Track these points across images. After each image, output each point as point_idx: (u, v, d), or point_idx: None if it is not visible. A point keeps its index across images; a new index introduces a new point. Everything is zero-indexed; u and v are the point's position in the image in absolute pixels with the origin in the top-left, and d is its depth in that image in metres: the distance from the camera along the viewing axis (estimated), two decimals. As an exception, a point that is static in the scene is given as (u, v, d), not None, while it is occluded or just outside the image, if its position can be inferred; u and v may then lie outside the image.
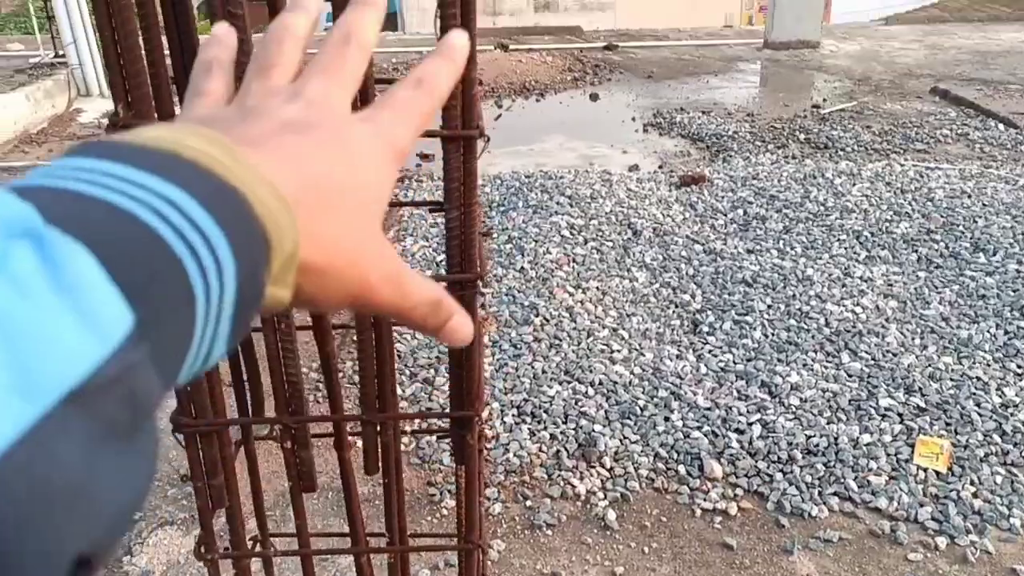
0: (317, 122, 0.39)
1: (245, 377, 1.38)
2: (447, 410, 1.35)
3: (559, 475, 2.74)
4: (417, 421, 2.97)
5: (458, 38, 0.47)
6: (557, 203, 4.78)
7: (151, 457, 0.29)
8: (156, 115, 1.06)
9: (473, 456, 1.24)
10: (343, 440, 1.34)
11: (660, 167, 5.68)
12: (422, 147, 5.46)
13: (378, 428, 1.30)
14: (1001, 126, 6.33)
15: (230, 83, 0.46)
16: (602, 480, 2.73)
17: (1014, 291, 3.76)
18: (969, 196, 4.78)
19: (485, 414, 3.03)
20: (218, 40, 0.48)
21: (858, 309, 3.66)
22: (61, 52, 7.40)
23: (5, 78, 7.14)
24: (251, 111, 0.40)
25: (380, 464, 1.29)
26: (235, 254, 0.31)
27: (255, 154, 0.35)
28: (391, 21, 26.75)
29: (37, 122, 6.77)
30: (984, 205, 4.65)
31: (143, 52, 0.98)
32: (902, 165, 5.44)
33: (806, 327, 3.53)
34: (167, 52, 1.25)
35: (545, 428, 2.95)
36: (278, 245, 0.34)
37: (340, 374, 1.79)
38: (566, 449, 2.84)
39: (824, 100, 7.28)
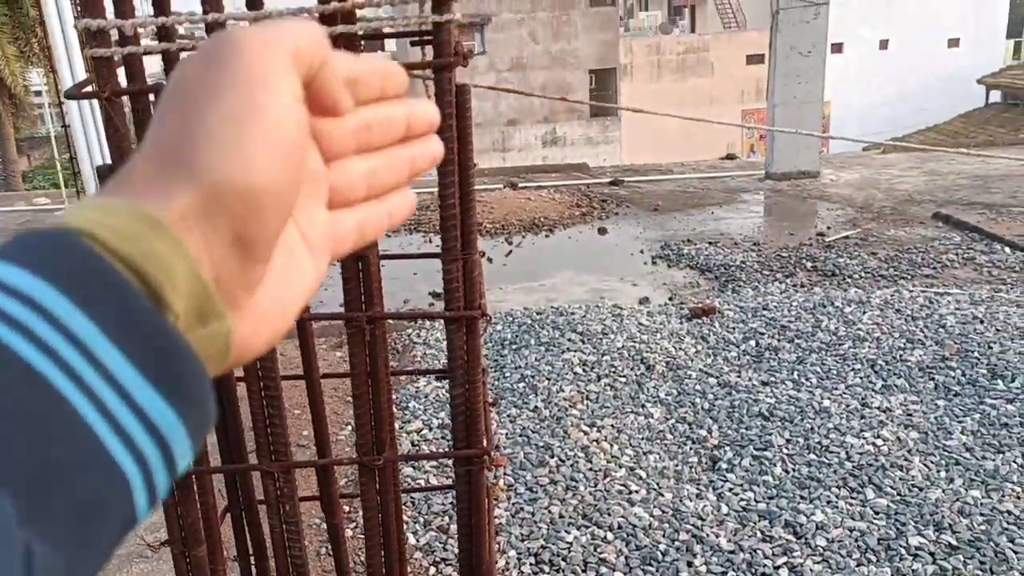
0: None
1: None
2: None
3: (580, 629, 2.63)
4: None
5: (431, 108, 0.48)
6: (569, 339, 4.79)
7: None
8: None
9: (486, 634, 1.20)
10: (353, 616, 1.30)
11: (670, 299, 5.72)
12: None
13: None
14: (1007, 249, 6.38)
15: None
16: (625, 633, 2.62)
17: (1037, 418, 3.70)
18: (981, 321, 4.78)
19: (502, 563, 2.95)
20: None
21: (879, 441, 3.59)
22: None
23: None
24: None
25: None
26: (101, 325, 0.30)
27: (139, 188, 0.35)
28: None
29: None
30: (997, 330, 4.63)
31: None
32: (911, 291, 5.46)
33: (827, 461, 3.46)
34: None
35: (564, 578, 2.85)
36: (168, 284, 0.32)
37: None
38: (586, 600, 2.74)
39: (828, 228, 7.39)
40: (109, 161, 1.11)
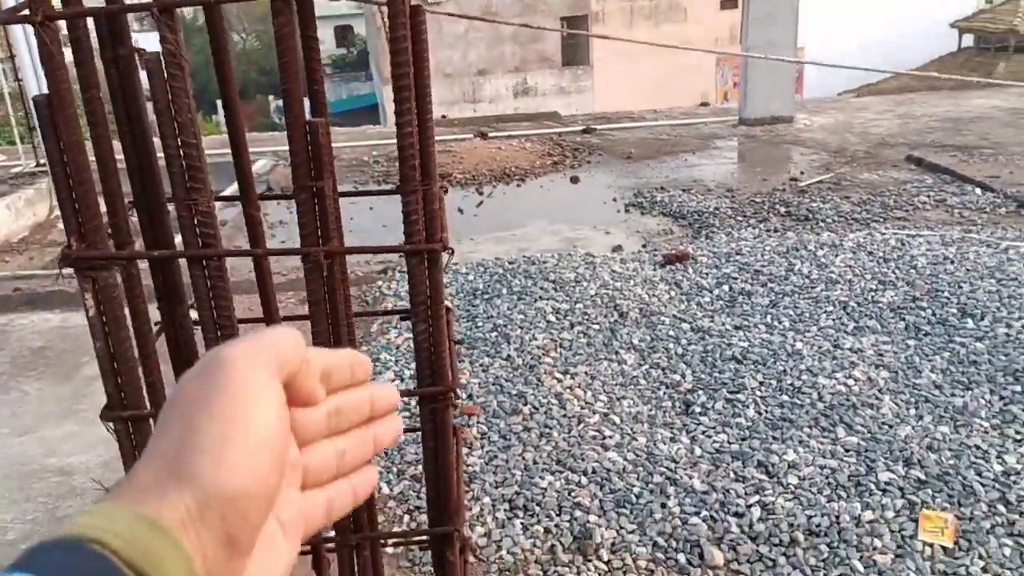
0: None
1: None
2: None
3: (555, 571, 2.65)
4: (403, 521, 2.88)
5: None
6: (541, 288, 4.77)
7: None
8: (112, 246, 1.04)
9: (455, 573, 1.18)
10: (320, 561, 1.28)
11: (643, 246, 5.70)
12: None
13: (355, 546, 1.25)
14: (978, 190, 6.41)
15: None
16: (600, 574, 2.64)
17: (1005, 355, 3.74)
18: (952, 262, 4.81)
19: (476, 509, 2.95)
20: None
21: (850, 381, 3.62)
22: (42, 161, 7.48)
23: (-12, 188, 7.20)
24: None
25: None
26: None
27: (148, 496, 0.41)
28: (374, 113, 27.29)
29: (18, 231, 6.80)
30: (968, 270, 4.66)
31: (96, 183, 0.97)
32: (883, 234, 5.48)
33: (799, 402, 3.49)
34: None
35: (538, 522, 2.86)
36: None
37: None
38: (561, 543, 2.76)
39: (802, 173, 7.39)
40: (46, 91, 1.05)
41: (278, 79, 1.07)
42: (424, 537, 1.47)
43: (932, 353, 3.84)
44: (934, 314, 4.21)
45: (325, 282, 1.16)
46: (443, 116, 15.75)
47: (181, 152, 1.04)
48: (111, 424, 1.19)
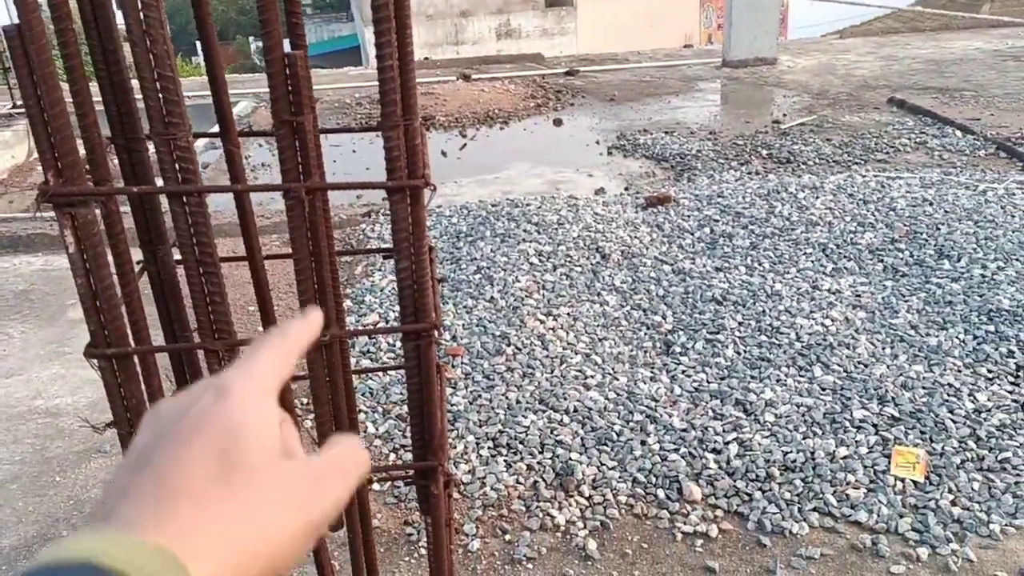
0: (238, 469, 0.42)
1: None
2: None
3: (537, 507, 2.70)
4: (389, 461, 2.92)
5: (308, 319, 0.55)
6: (524, 231, 4.77)
7: None
8: (91, 182, 1.04)
9: (439, 506, 1.21)
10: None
11: (626, 189, 5.70)
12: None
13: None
14: (959, 133, 6.43)
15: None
16: (581, 509, 2.70)
17: (980, 296, 3.80)
18: (931, 204, 4.84)
19: (460, 447, 3.00)
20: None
21: (827, 322, 3.67)
22: (19, 103, 7.33)
23: (-38, 131, 7.06)
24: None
25: (344, 519, 1.26)
26: None
27: (177, 537, 0.39)
28: (355, 55, 26.84)
29: (-4, 173, 6.70)
30: (946, 212, 4.70)
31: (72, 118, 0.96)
32: (863, 176, 5.50)
33: (777, 342, 3.54)
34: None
35: (521, 459, 2.91)
36: None
37: (299, 429, 1.75)
38: (544, 479, 2.81)
39: (784, 115, 7.37)
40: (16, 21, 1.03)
41: (257, 19, 1.06)
42: (408, 472, 1.50)
43: (909, 294, 3.89)
44: (912, 255, 4.25)
45: (307, 219, 1.16)
46: (425, 58, 15.51)
47: (158, 85, 1.03)
48: (95, 361, 1.20)
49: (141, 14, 0.95)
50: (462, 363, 3.51)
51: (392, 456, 3.00)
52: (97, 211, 1.12)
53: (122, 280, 1.21)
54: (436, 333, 1.24)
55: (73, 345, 3.85)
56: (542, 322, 3.80)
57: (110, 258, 1.19)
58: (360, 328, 3.85)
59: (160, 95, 1.02)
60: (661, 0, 24.11)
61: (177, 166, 1.08)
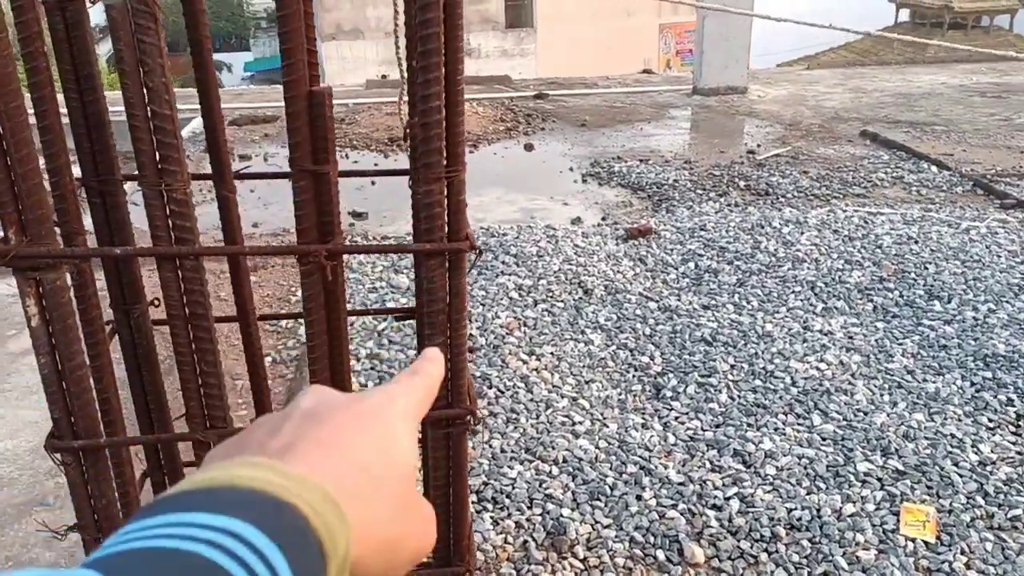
0: (353, 411, 0.45)
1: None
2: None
3: (528, 570, 2.50)
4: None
5: (435, 352, 0.55)
6: (503, 262, 4.59)
7: None
8: (60, 240, 0.82)
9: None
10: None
11: (604, 219, 5.55)
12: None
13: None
14: (934, 168, 6.41)
15: None
16: (576, 572, 2.50)
17: (974, 340, 3.70)
18: (916, 241, 4.77)
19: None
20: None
21: (822, 365, 3.54)
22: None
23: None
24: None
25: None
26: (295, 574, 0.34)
27: (298, 460, 0.40)
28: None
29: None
30: (932, 251, 4.63)
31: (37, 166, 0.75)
32: (844, 211, 5.42)
33: (772, 387, 3.39)
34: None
35: (509, 515, 2.71)
36: (333, 552, 0.37)
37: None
38: (534, 539, 2.61)
39: (759, 146, 7.31)
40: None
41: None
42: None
43: (902, 336, 3.78)
44: (901, 296, 4.16)
45: (324, 283, 0.96)
46: (383, 76, 15.33)
47: (151, 125, 0.82)
48: (58, 456, 0.97)
49: (135, 38, 0.74)
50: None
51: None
52: (67, 275, 0.91)
53: (92, 352, 0.99)
54: (472, 420, 1.05)
55: (13, 381, 3.55)
56: (525, 362, 3.61)
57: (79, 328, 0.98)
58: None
59: (154, 137, 0.82)
60: (621, 25, 24.25)
61: (171, 222, 0.87)
